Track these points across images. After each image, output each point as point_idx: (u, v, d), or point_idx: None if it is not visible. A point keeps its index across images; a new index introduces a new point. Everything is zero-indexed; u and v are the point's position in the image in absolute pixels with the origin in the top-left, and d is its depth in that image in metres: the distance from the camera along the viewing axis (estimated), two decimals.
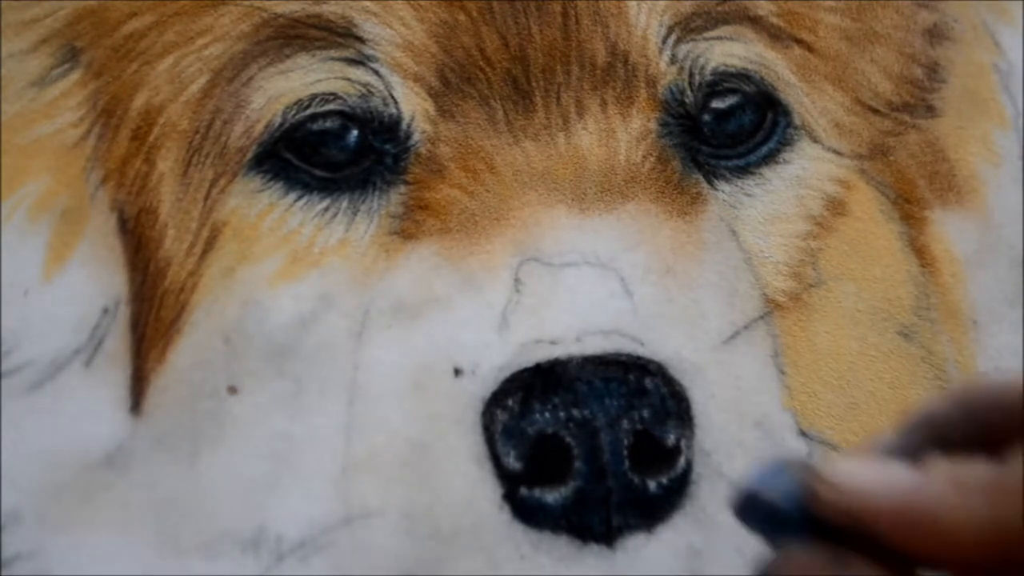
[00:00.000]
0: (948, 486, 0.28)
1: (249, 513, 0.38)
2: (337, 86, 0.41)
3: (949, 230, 0.43)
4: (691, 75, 0.42)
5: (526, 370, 0.38)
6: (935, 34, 0.46)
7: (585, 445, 0.37)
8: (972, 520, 0.28)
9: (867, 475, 0.30)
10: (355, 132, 0.41)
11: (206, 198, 0.40)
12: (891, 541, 0.29)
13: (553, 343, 0.39)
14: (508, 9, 0.42)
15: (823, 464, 0.31)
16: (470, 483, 0.38)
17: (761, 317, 0.41)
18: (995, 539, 0.27)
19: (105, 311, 0.39)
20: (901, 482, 0.29)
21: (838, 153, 0.44)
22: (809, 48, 0.44)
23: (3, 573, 0.37)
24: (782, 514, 0.32)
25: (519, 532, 0.37)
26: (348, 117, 0.41)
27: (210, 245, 0.40)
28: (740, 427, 0.40)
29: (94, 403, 0.39)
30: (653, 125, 0.42)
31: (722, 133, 0.43)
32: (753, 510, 0.33)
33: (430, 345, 0.39)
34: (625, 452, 0.38)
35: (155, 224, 0.40)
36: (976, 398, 0.31)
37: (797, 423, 0.41)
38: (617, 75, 0.42)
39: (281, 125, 0.41)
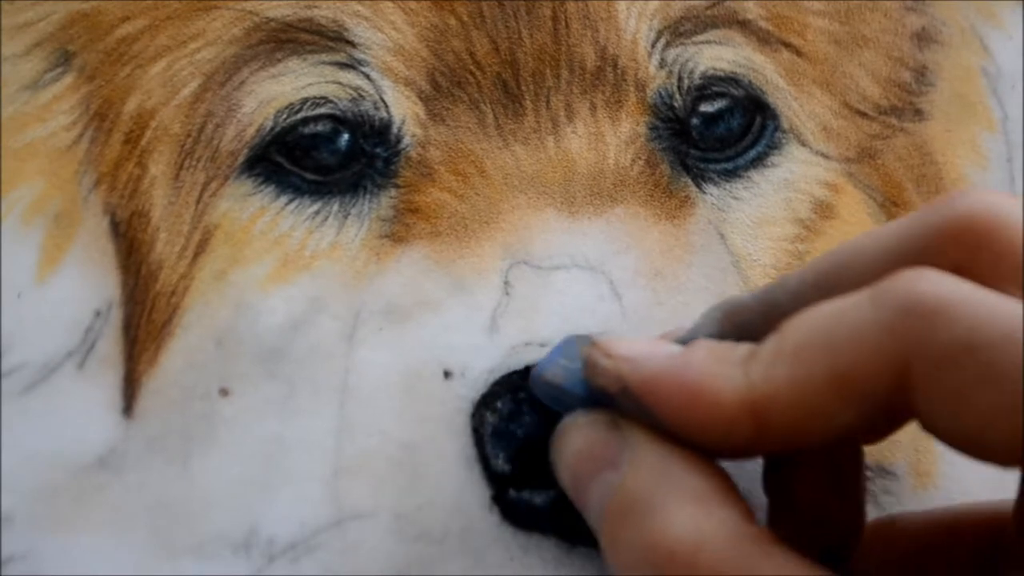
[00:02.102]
0: (709, 358, 0.29)
1: (241, 515, 0.38)
2: (328, 90, 0.41)
3: None
4: (680, 79, 0.43)
5: (515, 372, 0.39)
6: (923, 38, 0.46)
7: None
8: (726, 386, 0.29)
9: (638, 347, 0.31)
10: (346, 136, 0.41)
11: (198, 201, 0.41)
12: (655, 408, 0.30)
13: (542, 346, 0.39)
14: (498, 13, 0.42)
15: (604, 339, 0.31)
16: (459, 485, 0.38)
17: None
18: (747, 406, 0.28)
19: (97, 314, 0.40)
20: (667, 353, 0.31)
21: (826, 156, 0.44)
22: (797, 52, 0.44)
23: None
24: (567, 391, 0.34)
25: (508, 534, 0.38)
26: (339, 121, 0.41)
27: (202, 248, 0.40)
28: None
29: (87, 405, 0.39)
30: (642, 129, 0.42)
31: (711, 137, 0.43)
32: (542, 388, 0.35)
33: (420, 348, 0.39)
34: None
35: (147, 227, 0.40)
36: (774, 291, 0.32)
37: None
38: (606, 79, 0.42)
39: (272, 129, 0.41)
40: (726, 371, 0.29)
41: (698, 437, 0.30)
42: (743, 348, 0.30)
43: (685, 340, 0.34)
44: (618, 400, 0.32)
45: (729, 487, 0.30)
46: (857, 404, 0.28)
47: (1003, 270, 0.28)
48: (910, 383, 0.27)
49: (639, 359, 0.31)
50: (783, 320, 0.30)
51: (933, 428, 0.28)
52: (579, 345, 0.35)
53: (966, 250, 0.29)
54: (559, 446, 0.35)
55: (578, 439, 0.34)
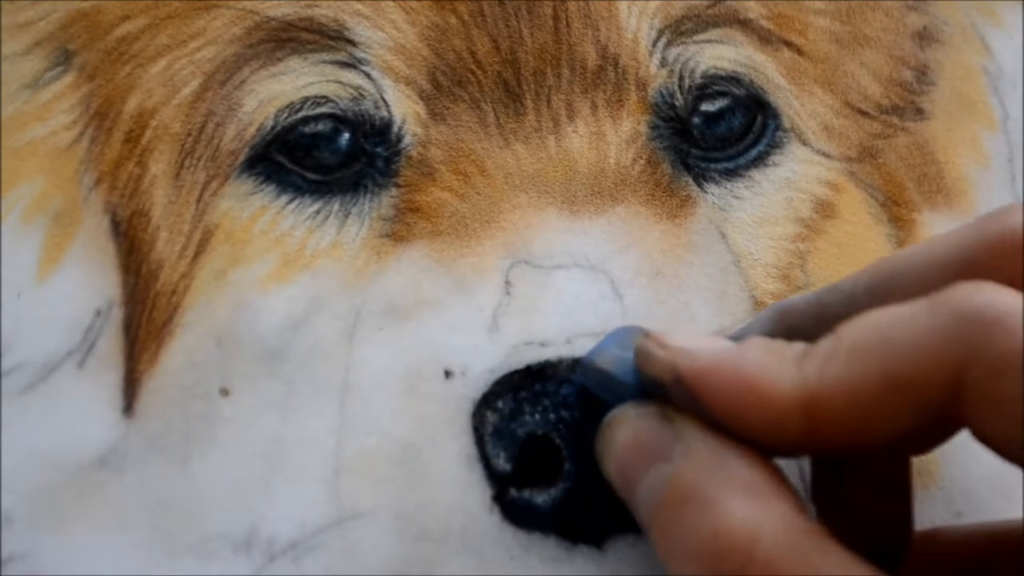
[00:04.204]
0: (763, 354, 0.30)
1: (241, 514, 0.38)
2: (329, 89, 0.41)
3: (938, 232, 0.43)
4: (681, 78, 0.43)
5: (516, 372, 0.38)
6: (924, 37, 0.46)
7: (575, 447, 0.37)
8: (780, 381, 0.29)
9: (693, 339, 0.31)
10: (346, 135, 0.41)
11: (198, 201, 0.40)
12: (708, 400, 0.30)
13: (543, 345, 0.39)
14: (499, 12, 0.42)
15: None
16: (460, 484, 0.38)
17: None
18: (801, 402, 0.29)
19: (98, 313, 0.40)
20: (722, 347, 0.31)
21: (827, 156, 0.44)
22: (799, 51, 0.44)
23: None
24: (617, 379, 0.33)
25: (509, 533, 0.38)
26: (340, 120, 0.41)
27: (202, 248, 0.40)
28: None
29: (87, 405, 0.39)
30: (643, 128, 0.42)
31: (712, 136, 0.43)
32: (591, 377, 0.34)
33: (421, 347, 0.39)
34: None
35: (148, 227, 0.40)
36: (828, 295, 0.32)
37: None
38: (607, 78, 0.42)
39: (273, 128, 0.41)
40: (781, 366, 0.29)
41: (750, 431, 0.30)
42: (798, 346, 0.30)
43: (737, 337, 0.34)
44: (670, 391, 0.32)
45: (782, 480, 0.30)
46: (910, 408, 0.28)
47: None
48: (964, 390, 0.27)
49: (694, 350, 0.31)
50: (836, 323, 0.30)
51: (984, 436, 0.28)
52: (632, 335, 0.35)
53: (1019, 263, 0.29)
54: (607, 437, 0.34)
55: (628, 431, 0.33)
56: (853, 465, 0.33)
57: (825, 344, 0.29)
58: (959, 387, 0.27)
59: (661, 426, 0.32)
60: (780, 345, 0.31)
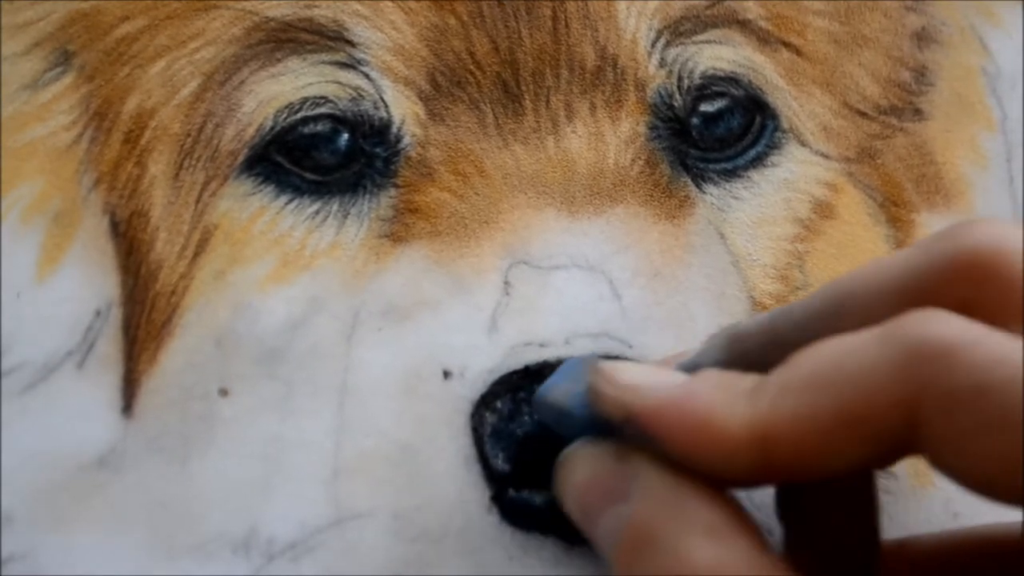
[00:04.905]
0: (715, 388, 0.29)
1: (240, 515, 0.38)
2: (328, 90, 0.41)
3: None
4: (680, 79, 0.43)
5: (515, 372, 0.39)
6: (923, 37, 0.46)
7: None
8: (733, 416, 0.29)
9: (643, 375, 0.31)
10: (346, 135, 0.41)
11: (197, 201, 0.41)
12: (661, 438, 0.30)
13: (542, 346, 0.39)
14: (498, 13, 0.42)
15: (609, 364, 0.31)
16: (459, 485, 0.38)
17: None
18: (754, 437, 0.28)
19: (97, 313, 0.40)
20: (672, 381, 0.31)
21: (826, 156, 0.44)
22: (797, 52, 0.44)
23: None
24: (571, 415, 0.33)
25: (507, 534, 0.38)
26: (339, 120, 0.41)
27: (201, 248, 0.40)
28: None
29: (86, 405, 0.39)
30: (642, 128, 0.42)
31: (710, 136, 0.43)
32: (546, 410, 0.34)
33: (420, 348, 0.39)
34: None
35: (147, 227, 0.40)
36: (779, 320, 0.32)
37: None
38: (606, 79, 0.42)
39: (272, 128, 0.41)
40: (732, 401, 0.29)
41: (705, 467, 0.30)
42: (749, 379, 0.30)
43: (689, 367, 0.34)
44: (623, 428, 0.32)
45: (742, 516, 0.30)
46: (863, 441, 0.28)
47: (1009, 307, 0.28)
48: (918, 423, 0.27)
49: (644, 388, 0.31)
50: (788, 351, 0.29)
51: (940, 466, 0.28)
52: (584, 367, 0.35)
53: (972, 285, 0.29)
54: (565, 476, 0.34)
55: (585, 470, 0.33)
56: (815, 485, 0.33)
57: (777, 377, 0.29)
58: (913, 420, 0.27)
59: (617, 465, 0.32)
60: (732, 378, 0.30)
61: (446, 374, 0.39)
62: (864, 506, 0.34)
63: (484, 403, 0.38)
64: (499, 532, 0.38)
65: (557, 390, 0.35)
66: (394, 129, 0.41)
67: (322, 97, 0.41)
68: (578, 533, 0.35)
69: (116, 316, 0.40)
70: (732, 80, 0.43)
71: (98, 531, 0.38)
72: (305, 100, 0.41)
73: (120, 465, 0.38)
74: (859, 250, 0.43)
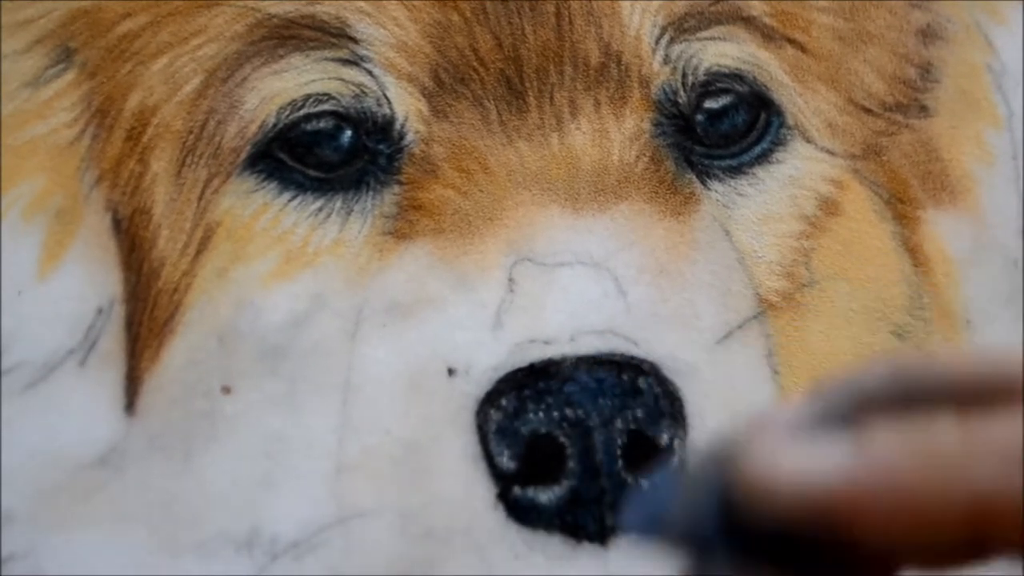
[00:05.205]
0: (909, 455, 0.23)
1: (243, 513, 0.38)
2: (331, 86, 0.41)
3: (942, 230, 0.43)
4: (684, 75, 0.42)
5: (520, 370, 0.38)
6: (928, 34, 0.46)
7: (579, 445, 0.37)
8: (948, 491, 0.23)
9: (798, 462, 0.23)
10: (349, 132, 0.41)
11: (200, 198, 0.40)
12: (852, 535, 0.23)
13: (547, 343, 0.39)
14: (502, 9, 0.42)
15: (731, 463, 0.24)
16: (464, 483, 0.38)
17: (755, 317, 0.41)
18: (976, 510, 0.23)
19: (99, 311, 0.39)
20: (846, 459, 0.23)
21: (831, 153, 0.44)
22: (802, 48, 0.44)
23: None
24: (701, 533, 0.22)
25: (513, 532, 0.37)
26: (342, 117, 0.41)
27: (204, 245, 0.40)
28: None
29: (88, 403, 0.39)
30: (646, 125, 0.42)
31: (715, 133, 0.43)
32: (667, 538, 0.24)
33: (424, 345, 0.39)
34: (618, 451, 0.38)
35: (149, 224, 0.40)
36: (910, 368, 0.27)
37: None
38: (610, 75, 0.42)
39: (275, 125, 0.41)
40: (940, 471, 0.24)
41: (904, 559, 0.25)
42: (947, 434, 0.25)
43: (814, 421, 0.27)
44: (795, 530, 0.24)
45: None
46: None
47: None
48: None
49: (810, 483, 0.23)
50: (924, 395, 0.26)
51: None
52: (671, 480, 0.24)
53: None
54: None
55: None
56: None
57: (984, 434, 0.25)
58: None
59: None
60: (922, 437, 0.24)
61: (451, 371, 0.39)
62: None
63: (489, 400, 0.38)
64: (505, 530, 0.37)
65: (681, 510, 0.23)
66: (397, 126, 0.41)
67: (325, 94, 0.41)
68: (584, 531, 0.35)
69: (118, 314, 0.39)
70: (737, 77, 0.43)
71: (99, 530, 0.38)
72: (308, 97, 0.41)
73: (121, 464, 0.38)
74: (865, 247, 0.43)
